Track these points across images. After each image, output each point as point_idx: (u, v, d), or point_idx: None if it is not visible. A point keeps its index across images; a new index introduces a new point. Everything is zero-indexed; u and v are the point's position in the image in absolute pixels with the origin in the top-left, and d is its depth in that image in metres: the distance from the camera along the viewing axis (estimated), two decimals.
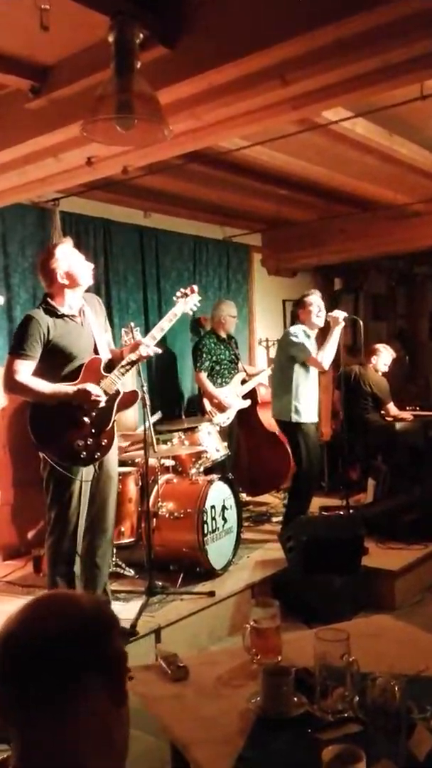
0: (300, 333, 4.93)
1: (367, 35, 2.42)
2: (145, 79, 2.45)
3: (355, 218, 6.65)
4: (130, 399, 3.60)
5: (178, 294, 3.90)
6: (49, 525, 3.46)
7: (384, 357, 6.39)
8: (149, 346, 3.58)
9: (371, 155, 4.90)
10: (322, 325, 5.01)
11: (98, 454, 3.42)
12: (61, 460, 3.34)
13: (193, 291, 3.91)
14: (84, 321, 3.51)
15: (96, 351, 3.52)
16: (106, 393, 3.43)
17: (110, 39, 2.40)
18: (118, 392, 3.52)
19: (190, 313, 3.93)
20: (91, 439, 3.38)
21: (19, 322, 3.51)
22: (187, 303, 3.83)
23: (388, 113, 4.01)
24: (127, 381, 3.69)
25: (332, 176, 5.47)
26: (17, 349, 3.34)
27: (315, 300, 5.02)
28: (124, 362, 3.54)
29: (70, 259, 3.47)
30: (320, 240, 7.07)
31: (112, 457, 3.59)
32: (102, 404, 3.39)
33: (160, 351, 3.70)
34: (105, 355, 3.56)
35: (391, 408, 6.26)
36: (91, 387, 3.35)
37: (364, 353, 6.52)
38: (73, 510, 3.39)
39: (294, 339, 4.91)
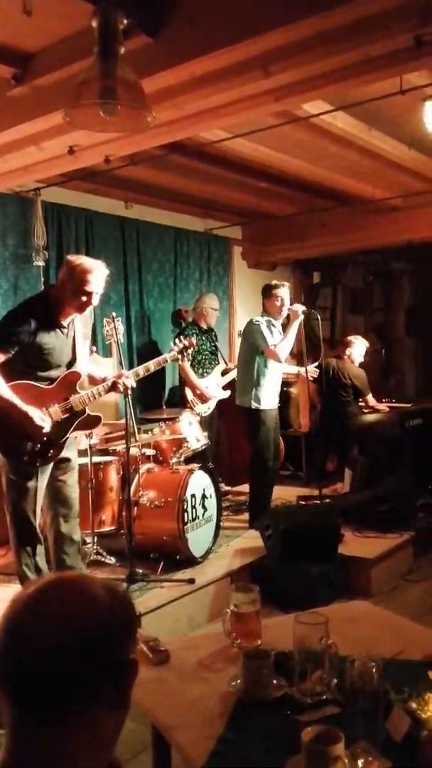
0: (263, 322, 4.97)
1: (349, 28, 2.45)
2: (129, 66, 2.45)
3: (334, 212, 6.68)
4: (91, 422, 3.58)
5: (177, 342, 3.98)
6: (8, 517, 3.46)
7: (358, 347, 6.37)
8: (129, 378, 3.59)
9: (350, 149, 4.93)
10: (284, 316, 5.06)
11: (39, 461, 3.39)
12: (6, 455, 3.35)
13: (191, 345, 4.02)
14: (69, 333, 3.49)
15: (72, 363, 3.50)
16: (72, 410, 3.41)
17: (93, 24, 2.38)
18: (83, 411, 3.51)
19: (177, 359, 4.07)
20: (39, 446, 3.36)
21: (10, 309, 3.45)
22: (181, 352, 3.94)
23: (367, 107, 4.03)
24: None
25: (312, 170, 5.49)
26: None
27: (282, 293, 5.04)
28: (100, 386, 3.53)
29: (98, 288, 3.38)
30: (300, 234, 7.09)
31: (72, 448, 3.58)
32: (46, 430, 3.31)
33: (134, 385, 3.69)
34: (83, 366, 3.55)
35: (370, 399, 6.30)
36: (37, 417, 3.27)
37: (339, 345, 6.54)
38: (29, 502, 3.39)
39: (255, 328, 4.96)
